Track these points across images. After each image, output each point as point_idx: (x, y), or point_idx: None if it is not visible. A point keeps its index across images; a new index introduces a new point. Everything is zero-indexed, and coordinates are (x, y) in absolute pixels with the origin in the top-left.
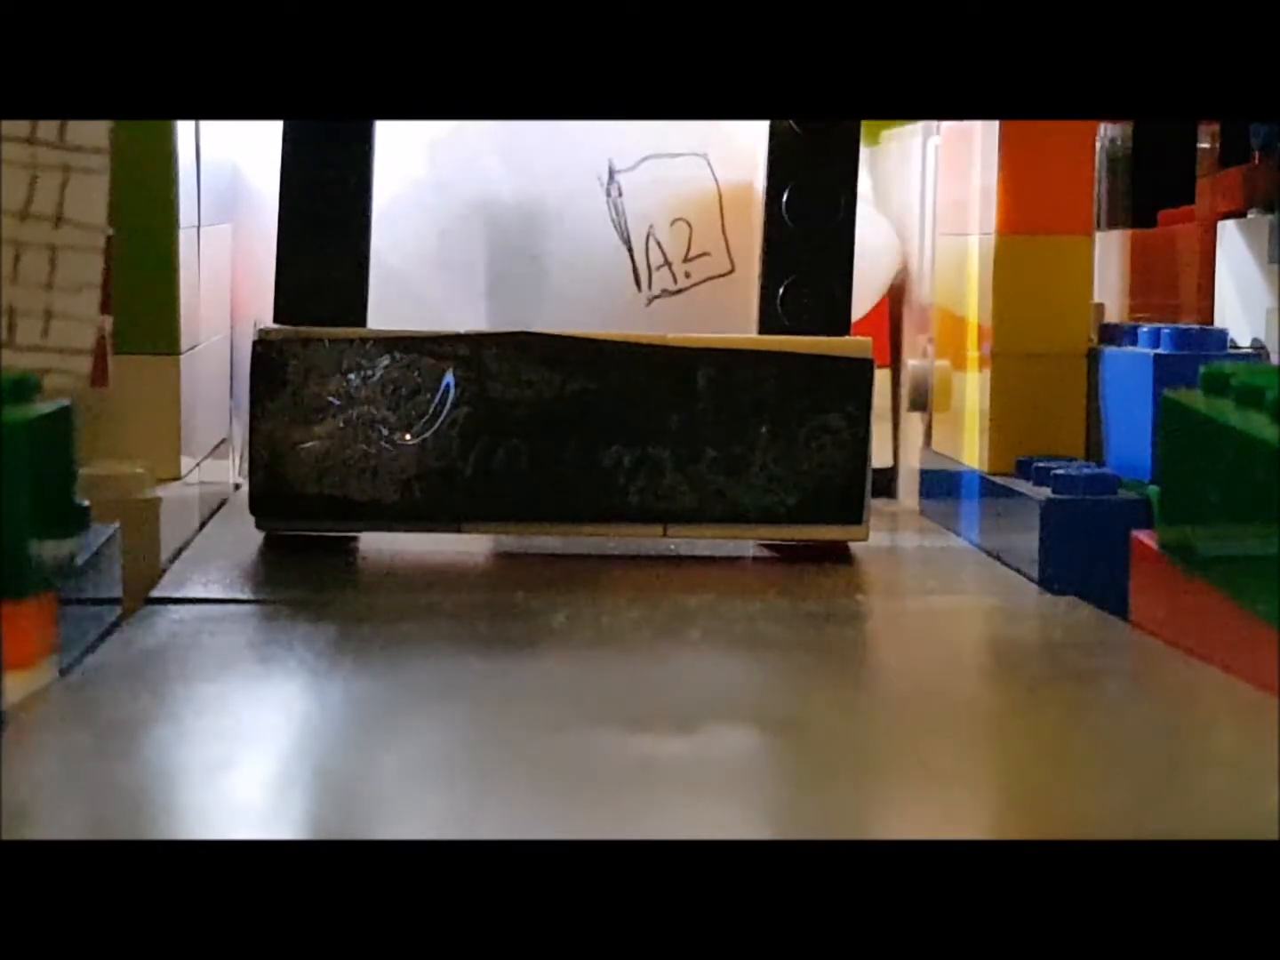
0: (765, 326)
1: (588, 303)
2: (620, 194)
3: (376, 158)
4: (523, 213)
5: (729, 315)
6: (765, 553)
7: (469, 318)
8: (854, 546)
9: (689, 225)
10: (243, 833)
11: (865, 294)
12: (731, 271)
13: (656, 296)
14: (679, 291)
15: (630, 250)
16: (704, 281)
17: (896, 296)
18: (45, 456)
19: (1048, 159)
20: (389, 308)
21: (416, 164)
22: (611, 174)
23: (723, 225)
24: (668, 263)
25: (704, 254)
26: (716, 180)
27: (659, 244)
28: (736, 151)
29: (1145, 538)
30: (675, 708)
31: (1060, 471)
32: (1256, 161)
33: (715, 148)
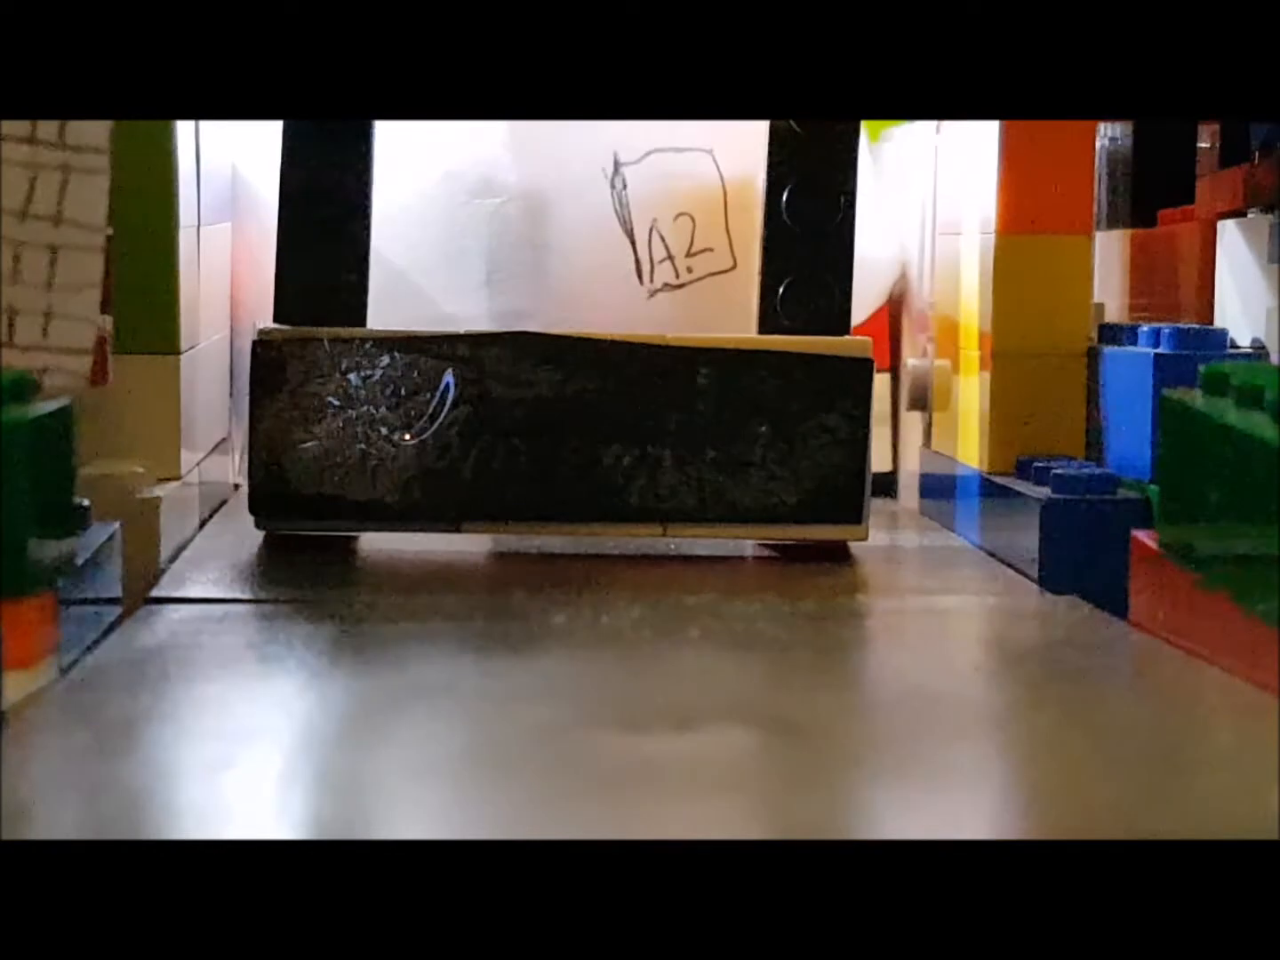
0: (765, 326)
1: (589, 294)
2: (625, 186)
3: (381, 147)
4: (527, 203)
5: (730, 311)
6: (765, 553)
7: (471, 306)
8: (854, 546)
9: (692, 220)
10: (242, 833)
11: (865, 300)
12: (734, 268)
13: (658, 290)
14: (681, 286)
15: (633, 243)
16: (706, 277)
17: (896, 301)
18: (45, 456)
19: (1048, 159)
20: (392, 296)
21: (422, 152)
22: (617, 166)
23: (726, 221)
24: (670, 257)
25: (707, 249)
26: (721, 176)
27: (662, 238)
28: (742, 148)
29: (1145, 538)
30: (675, 708)
31: (1060, 471)
32: (1256, 161)
33: (721, 143)
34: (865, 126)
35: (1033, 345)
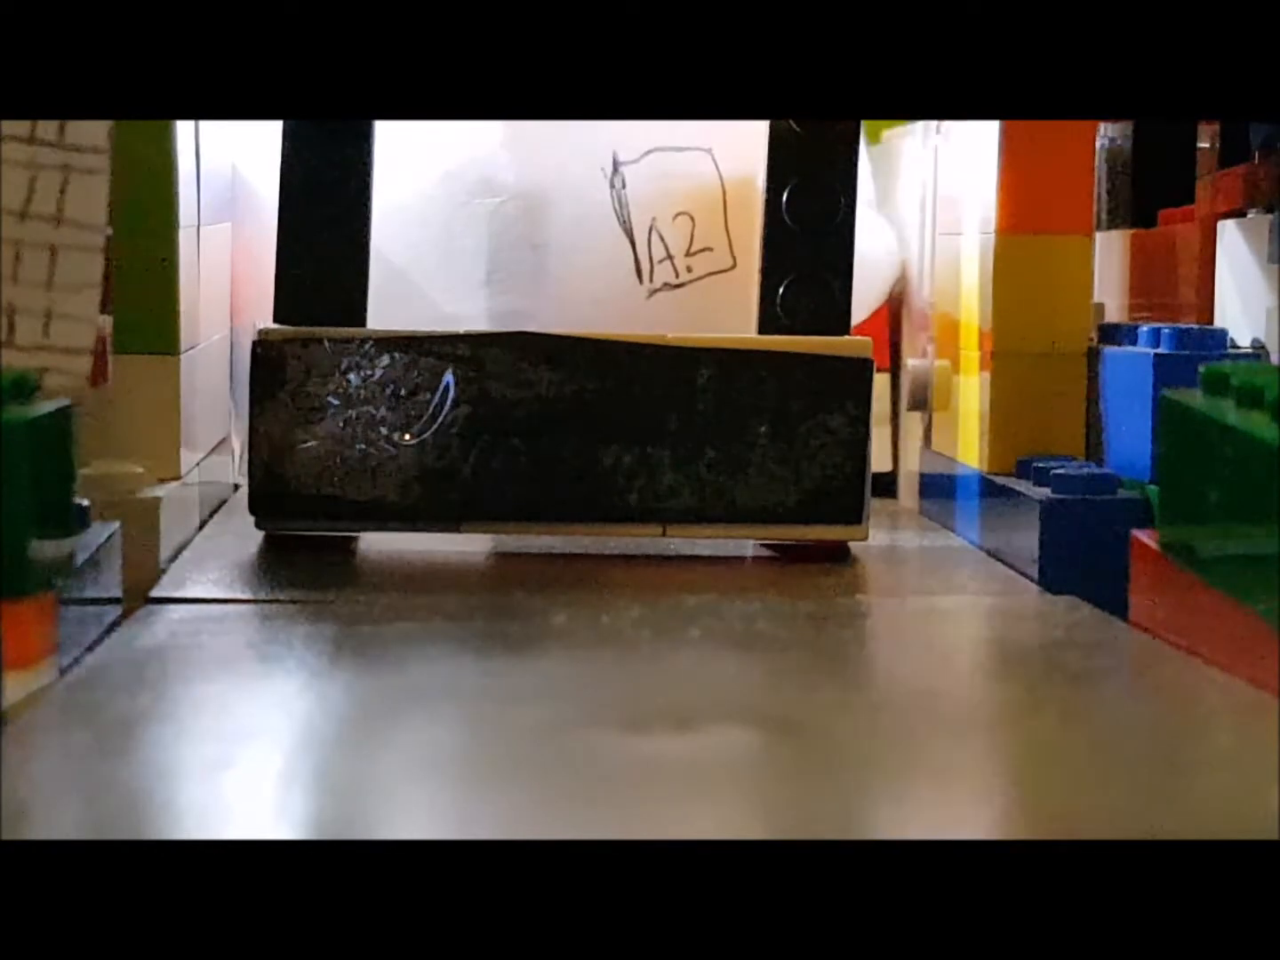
0: (765, 326)
1: (589, 294)
2: (624, 186)
3: (381, 147)
4: (526, 202)
5: (730, 311)
6: (765, 553)
7: (470, 306)
8: (854, 546)
9: (692, 219)
10: (242, 833)
11: (865, 300)
12: (733, 267)
13: (657, 290)
14: (680, 285)
15: (633, 243)
16: (705, 276)
17: (896, 301)
18: (45, 456)
19: (1048, 159)
20: (392, 296)
21: (421, 152)
22: (616, 166)
23: (726, 221)
24: (670, 256)
25: (706, 249)
26: (720, 175)
27: (661, 237)
28: (741, 147)
29: (1145, 538)
30: (675, 708)
31: (1060, 471)
32: (1256, 161)
33: (720, 143)
34: (865, 126)
35: (1033, 345)
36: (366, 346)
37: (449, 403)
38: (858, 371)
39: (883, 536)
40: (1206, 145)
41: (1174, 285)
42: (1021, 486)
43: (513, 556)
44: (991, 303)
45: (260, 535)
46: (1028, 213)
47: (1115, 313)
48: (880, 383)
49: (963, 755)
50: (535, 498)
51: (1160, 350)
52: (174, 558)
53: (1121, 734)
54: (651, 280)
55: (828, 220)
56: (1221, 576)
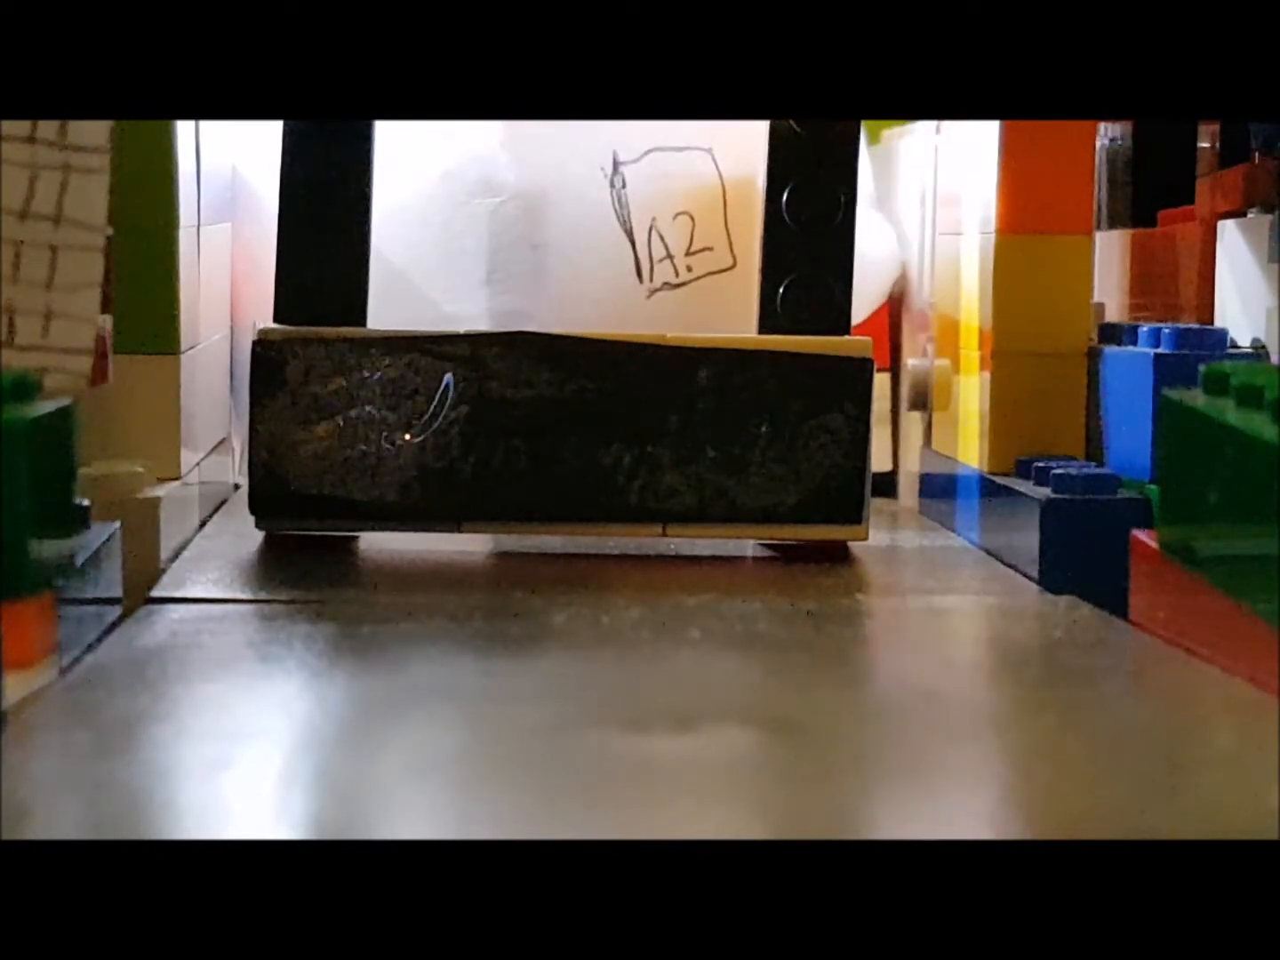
0: (765, 326)
1: (589, 294)
2: (624, 186)
3: (381, 147)
4: (526, 202)
5: (730, 310)
6: (765, 553)
7: (470, 306)
8: (854, 546)
9: (692, 219)
10: (242, 833)
11: (865, 300)
12: (733, 266)
13: (658, 289)
14: (680, 285)
15: (633, 242)
16: (705, 276)
17: (896, 301)
18: (45, 456)
19: (1048, 159)
20: (392, 296)
21: (421, 152)
22: (616, 165)
23: (726, 220)
24: (670, 256)
25: (706, 248)
26: (720, 175)
27: (661, 237)
28: (741, 147)
29: (1145, 538)
30: (675, 708)
31: (1060, 471)
32: (1256, 161)
33: (720, 142)
34: (865, 126)
35: (1033, 345)
36: (366, 346)
37: (449, 403)
38: (858, 371)
39: (883, 536)
40: (1206, 145)
41: (1174, 285)
42: (1021, 486)
43: (513, 556)
44: (991, 303)
45: (260, 535)
46: (1028, 213)
47: (1115, 313)
48: (880, 383)
49: (962, 755)
50: (535, 498)
51: (1160, 350)
52: (174, 558)
53: (1121, 734)
54: (651, 280)
55: (828, 220)
56: (1221, 576)
